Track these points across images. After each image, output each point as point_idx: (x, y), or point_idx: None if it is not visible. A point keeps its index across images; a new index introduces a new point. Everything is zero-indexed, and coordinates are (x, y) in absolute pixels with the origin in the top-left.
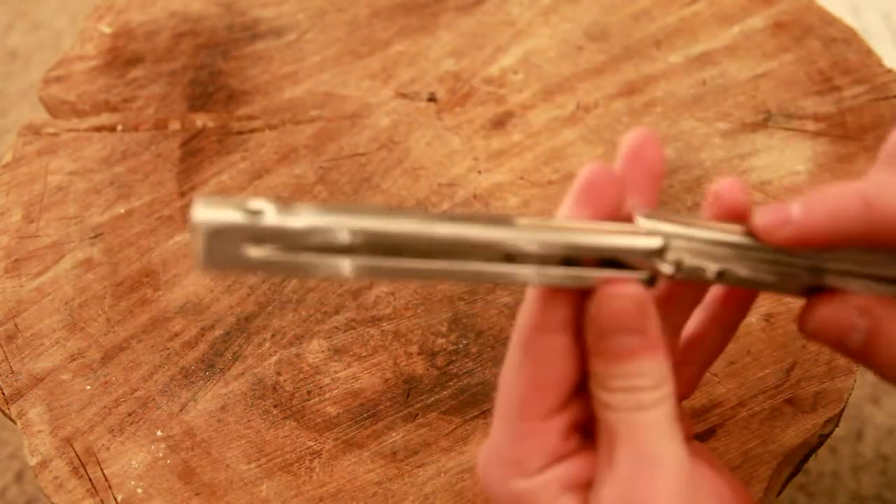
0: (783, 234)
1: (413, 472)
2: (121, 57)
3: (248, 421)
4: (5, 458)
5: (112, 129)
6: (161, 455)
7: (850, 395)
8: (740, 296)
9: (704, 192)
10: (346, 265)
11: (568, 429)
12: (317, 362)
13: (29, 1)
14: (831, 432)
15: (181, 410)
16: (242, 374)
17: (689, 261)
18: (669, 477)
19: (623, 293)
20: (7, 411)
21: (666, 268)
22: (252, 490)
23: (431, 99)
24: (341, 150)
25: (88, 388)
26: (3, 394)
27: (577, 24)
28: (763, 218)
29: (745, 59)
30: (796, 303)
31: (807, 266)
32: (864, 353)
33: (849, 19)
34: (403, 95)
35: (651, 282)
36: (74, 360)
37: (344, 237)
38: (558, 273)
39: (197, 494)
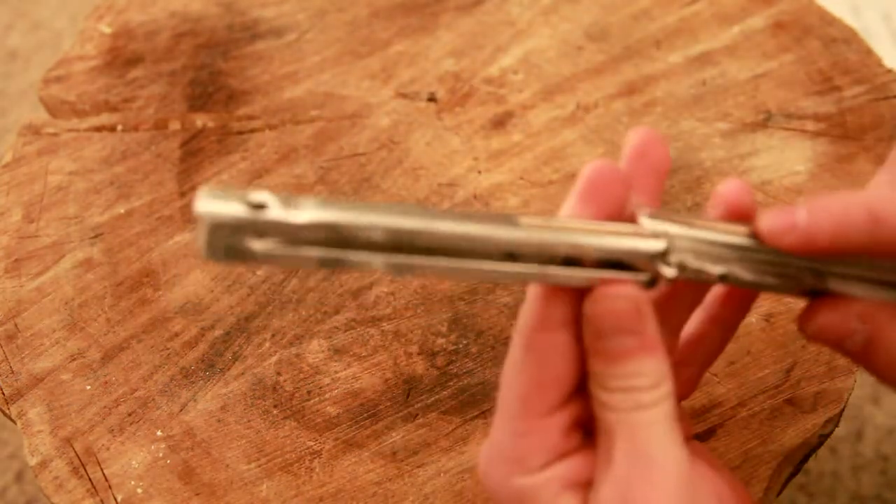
0: (788, 239)
1: (413, 472)
2: (121, 57)
3: (248, 421)
4: (5, 458)
5: (112, 129)
6: (161, 455)
7: (850, 395)
8: (740, 295)
9: (704, 192)
10: (350, 258)
11: (569, 426)
12: (317, 362)
13: (29, 1)
14: (831, 432)
15: (181, 410)
16: (242, 374)
17: (692, 263)
18: (668, 477)
19: (618, 294)
20: (7, 411)
21: (668, 271)
22: (252, 490)
23: (431, 99)
24: (341, 150)
25: (88, 388)
26: (3, 394)
27: (577, 24)
28: (768, 222)
29: (745, 59)
30: (796, 303)
31: (809, 269)
32: (863, 357)
33: (849, 19)
34: (403, 95)
35: (652, 283)
36: (74, 360)
37: (348, 232)
38: (560, 273)
39: (197, 494)
